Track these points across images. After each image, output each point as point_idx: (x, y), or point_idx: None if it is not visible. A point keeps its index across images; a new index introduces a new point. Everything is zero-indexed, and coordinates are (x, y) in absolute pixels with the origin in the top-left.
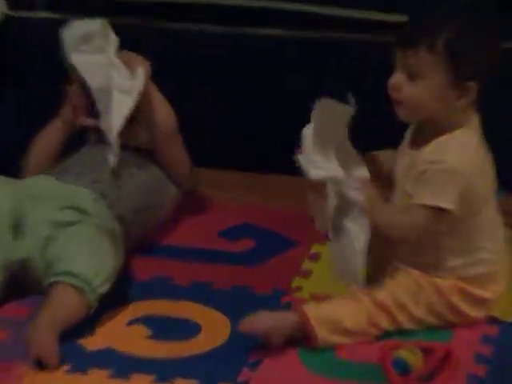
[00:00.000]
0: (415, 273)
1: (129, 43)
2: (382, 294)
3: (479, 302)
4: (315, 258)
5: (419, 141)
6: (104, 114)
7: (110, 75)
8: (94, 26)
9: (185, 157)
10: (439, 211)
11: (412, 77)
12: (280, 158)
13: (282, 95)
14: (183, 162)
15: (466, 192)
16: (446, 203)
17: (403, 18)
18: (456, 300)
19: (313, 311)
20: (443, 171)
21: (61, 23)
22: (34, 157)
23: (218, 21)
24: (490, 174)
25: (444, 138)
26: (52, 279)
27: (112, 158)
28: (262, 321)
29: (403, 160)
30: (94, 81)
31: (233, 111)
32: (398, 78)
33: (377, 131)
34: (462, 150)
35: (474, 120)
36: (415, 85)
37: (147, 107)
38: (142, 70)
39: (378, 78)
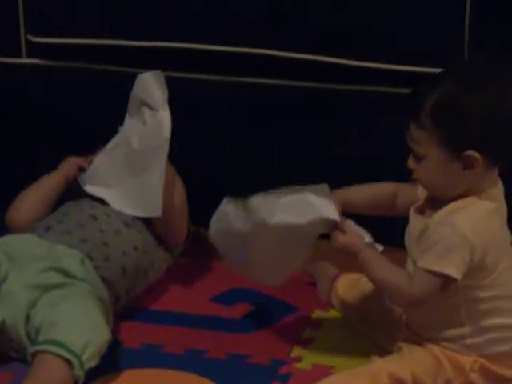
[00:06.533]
0: (436, 349)
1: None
2: (403, 373)
3: (500, 381)
4: (317, 324)
5: (429, 208)
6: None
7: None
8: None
9: (185, 228)
10: (446, 278)
11: (417, 158)
12: None
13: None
14: (182, 232)
15: (476, 262)
16: (451, 270)
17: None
18: (476, 378)
19: None
20: (452, 235)
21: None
22: (25, 206)
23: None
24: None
25: (454, 204)
26: (38, 348)
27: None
28: None
29: (414, 226)
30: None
31: (231, 164)
32: (409, 162)
33: None
34: (471, 215)
35: (494, 189)
36: (421, 165)
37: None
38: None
39: None
